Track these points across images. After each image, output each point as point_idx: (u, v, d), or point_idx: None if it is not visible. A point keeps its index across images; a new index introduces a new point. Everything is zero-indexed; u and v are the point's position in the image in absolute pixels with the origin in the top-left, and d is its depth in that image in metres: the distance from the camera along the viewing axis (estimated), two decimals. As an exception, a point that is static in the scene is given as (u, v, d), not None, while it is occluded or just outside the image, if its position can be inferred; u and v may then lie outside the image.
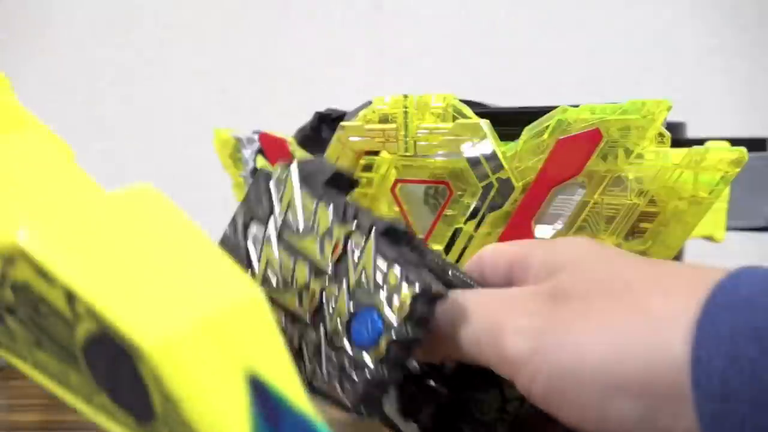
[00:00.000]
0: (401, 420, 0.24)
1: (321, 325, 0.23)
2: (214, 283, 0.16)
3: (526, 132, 0.31)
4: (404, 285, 0.21)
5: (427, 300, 0.20)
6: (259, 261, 0.25)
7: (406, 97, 0.33)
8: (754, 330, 0.16)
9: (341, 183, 0.25)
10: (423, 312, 0.21)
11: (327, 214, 0.23)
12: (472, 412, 0.23)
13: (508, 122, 0.32)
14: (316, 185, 0.24)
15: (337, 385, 0.22)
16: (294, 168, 0.25)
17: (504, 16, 0.68)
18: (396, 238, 0.22)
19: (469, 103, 0.33)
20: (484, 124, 0.31)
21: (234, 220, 0.26)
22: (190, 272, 0.16)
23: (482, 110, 0.33)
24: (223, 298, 0.15)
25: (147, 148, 0.71)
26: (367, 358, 0.21)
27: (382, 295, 0.21)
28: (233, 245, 0.26)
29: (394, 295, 0.21)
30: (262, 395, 0.15)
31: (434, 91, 0.33)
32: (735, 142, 0.34)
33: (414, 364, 0.25)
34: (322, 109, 0.39)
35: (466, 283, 0.23)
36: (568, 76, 0.68)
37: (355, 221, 0.23)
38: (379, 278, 0.21)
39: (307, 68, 0.69)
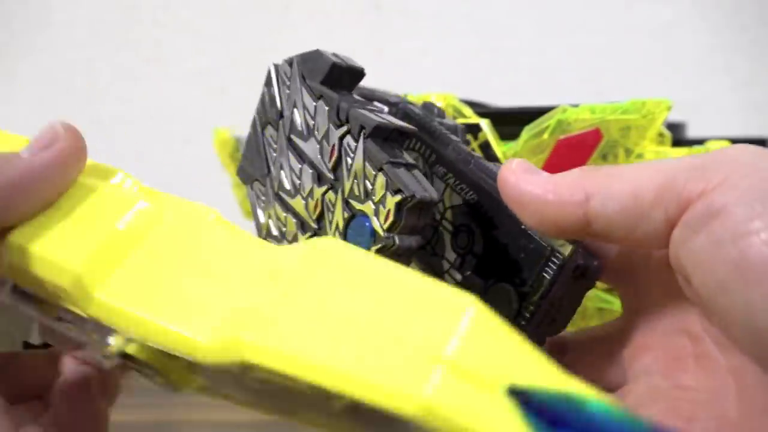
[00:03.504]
0: None
1: (324, 230, 0.23)
2: (430, 316, 0.15)
3: (526, 132, 0.30)
4: (388, 194, 0.20)
5: (411, 209, 0.20)
6: (274, 165, 0.25)
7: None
8: None
9: (342, 78, 0.23)
10: (408, 221, 0.20)
11: (324, 115, 0.22)
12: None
13: (508, 122, 0.32)
14: (316, 83, 0.23)
15: None
16: (295, 65, 0.24)
17: (504, 16, 0.68)
18: (387, 139, 0.21)
19: (469, 103, 0.33)
20: (484, 124, 0.31)
21: (254, 122, 0.26)
22: (404, 317, 0.15)
23: (482, 110, 0.33)
24: (446, 328, 0.14)
25: (146, 148, 0.71)
26: None
27: (371, 202, 0.21)
28: (256, 148, 0.26)
29: (380, 205, 0.20)
30: (531, 404, 0.13)
31: (434, 91, 0.33)
32: (735, 141, 0.34)
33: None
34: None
35: (486, 173, 0.22)
36: (568, 76, 0.68)
37: (348, 123, 0.21)
38: (368, 185, 0.21)
39: (307, 68, 0.69)
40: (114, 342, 0.18)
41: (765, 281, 0.15)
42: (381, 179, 0.20)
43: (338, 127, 0.22)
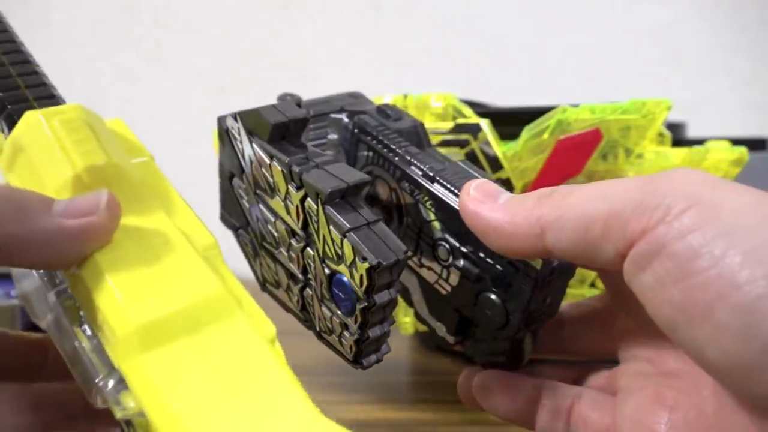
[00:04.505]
0: (432, 319, 0.25)
1: (312, 283, 0.23)
2: None
3: (526, 132, 0.30)
4: (358, 260, 0.20)
5: (381, 271, 0.20)
6: (250, 216, 0.24)
7: (406, 97, 0.33)
8: None
9: (288, 130, 0.22)
10: (382, 281, 0.20)
11: (281, 176, 0.22)
12: (483, 320, 0.23)
13: (508, 122, 0.32)
14: (264, 141, 0.22)
15: (337, 339, 0.23)
16: (239, 121, 0.23)
17: (504, 16, 0.68)
18: (344, 201, 0.21)
19: (469, 103, 0.33)
20: (484, 124, 0.31)
21: (220, 171, 0.26)
22: None
23: (482, 110, 0.33)
24: None
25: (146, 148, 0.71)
26: (351, 323, 0.22)
27: (344, 265, 0.21)
28: (230, 198, 0.25)
29: (353, 269, 0.21)
30: None
31: (434, 91, 0.33)
32: (735, 141, 0.34)
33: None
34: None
35: (452, 190, 0.22)
36: (568, 76, 0.68)
37: (304, 188, 0.21)
38: (338, 249, 0.21)
39: (307, 68, 0.69)
40: (128, 407, 0.17)
41: (706, 321, 0.16)
42: (347, 245, 0.20)
43: (297, 189, 0.21)
